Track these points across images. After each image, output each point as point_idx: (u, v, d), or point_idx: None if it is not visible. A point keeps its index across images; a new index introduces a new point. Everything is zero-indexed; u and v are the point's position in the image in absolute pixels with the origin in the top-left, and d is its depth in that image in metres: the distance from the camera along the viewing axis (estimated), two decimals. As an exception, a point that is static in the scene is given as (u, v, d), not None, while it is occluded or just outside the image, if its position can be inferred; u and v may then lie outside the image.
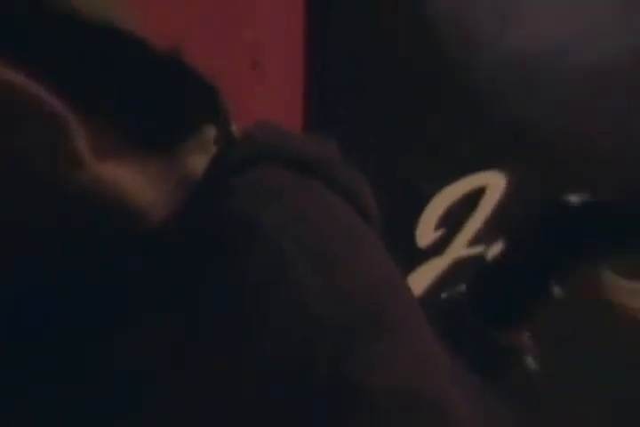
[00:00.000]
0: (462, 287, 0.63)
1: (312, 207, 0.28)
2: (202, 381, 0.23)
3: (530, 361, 0.48)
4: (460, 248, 0.69)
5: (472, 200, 0.67)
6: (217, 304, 0.25)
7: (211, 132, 0.28)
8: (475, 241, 0.67)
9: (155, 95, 0.26)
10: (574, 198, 0.51)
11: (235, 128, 0.30)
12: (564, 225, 0.49)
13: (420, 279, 0.74)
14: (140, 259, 0.25)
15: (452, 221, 0.72)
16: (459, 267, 0.69)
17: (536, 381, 0.45)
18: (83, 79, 0.24)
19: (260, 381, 0.22)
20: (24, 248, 0.24)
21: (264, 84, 0.82)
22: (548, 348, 0.47)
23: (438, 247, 0.73)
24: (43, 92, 0.22)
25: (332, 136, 0.35)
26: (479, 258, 0.66)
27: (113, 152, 0.25)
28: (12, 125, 0.23)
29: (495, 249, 0.65)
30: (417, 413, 0.22)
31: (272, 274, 0.25)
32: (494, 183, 0.64)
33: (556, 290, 0.51)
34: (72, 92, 0.23)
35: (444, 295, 0.68)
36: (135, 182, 0.25)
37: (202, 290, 0.25)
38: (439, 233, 0.74)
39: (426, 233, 0.76)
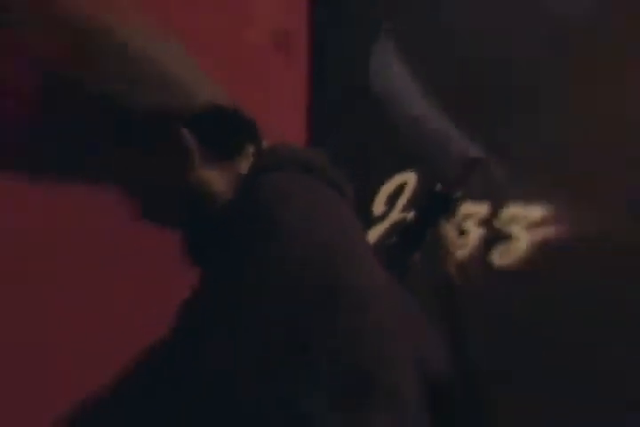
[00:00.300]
0: (395, 237, 1.18)
1: (316, 205, 0.44)
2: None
3: (417, 261, 1.02)
4: (395, 215, 1.23)
5: (400, 189, 1.21)
6: (228, 303, 0.38)
7: (251, 148, 0.53)
8: (402, 211, 1.22)
9: (225, 131, 0.51)
10: (438, 187, 1.03)
11: (265, 144, 0.54)
12: (430, 198, 1.02)
13: (375, 233, 1.28)
14: (208, 228, 0.48)
15: (391, 200, 1.25)
16: (394, 226, 1.23)
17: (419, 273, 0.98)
18: (201, 128, 0.49)
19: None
20: (170, 213, 0.52)
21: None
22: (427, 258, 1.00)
23: (384, 215, 1.27)
24: (187, 133, 0.49)
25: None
26: (404, 220, 1.20)
27: (206, 162, 0.49)
28: (171, 154, 0.49)
29: (411, 215, 1.19)
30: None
31: (280, 279, 0.37)
32: (410, 179, 1.18)
33: (429, 234, 1.05)
34: (196, 134, 0.49)
35: (386, 242, 1.22)
36: (214, 178, 0.49)
37: (219, 287, 0.40)
38: (385, 207, 1.28)
39: (378, 207, 1.29)
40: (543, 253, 0.80)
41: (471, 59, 1.07)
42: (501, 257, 0.83)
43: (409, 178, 1.17)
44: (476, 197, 0.89)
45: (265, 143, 0.56)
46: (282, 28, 1.28)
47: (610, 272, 0.80)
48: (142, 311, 0.81)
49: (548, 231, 0.80)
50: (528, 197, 0.84)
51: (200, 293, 0.42)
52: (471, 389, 0.57)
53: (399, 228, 1.20)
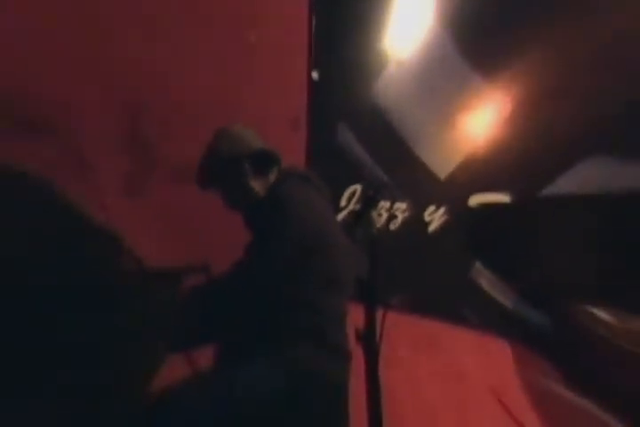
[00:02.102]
0: (350, 217, 2.26)
1: (309, 199, 1.21)
2: None
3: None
4: (350, 207, 2.29)
5: (353, 193, 2.27)
6: (265, 245, 1.08)
7: (275, 168, 1.34)
8: (354, 204, 2.28)
9: (264, 160, 1.34)
10: (370, 193, 2.10)
11: (283, 166, 1.35)
12: (365, 198, 2.07)
13: (341, 216, 2.34)
14: (254, 210, 1.27)
15: (349, 198, 2.30)
16: (350, 212, 2.30)
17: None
18: (253, 160, 1.34)
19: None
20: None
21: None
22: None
23: (345, 206, 2.31)
24: (246, 164, 1.35)
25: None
26: (355, 209, 2.26)
27: (254, 177, 1.29)
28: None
29: (358, 206, 2.26)
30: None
31: (290, 234, 1.07)
32: (358, 188, 2.25)
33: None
34: (250, 164, 1.35)
35: (346, 220, 2.30)
36: (258, 185, 1.28)
37: (260, 238, 1.12)
38: (346, 202, 2.33)
39: (342, 202, 2.34)
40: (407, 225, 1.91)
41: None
42: (392, 226, 1.94)
43: (357, 187, 2.22)
44: (387, 198, 1.99)
45: (283, 165, 1.25)
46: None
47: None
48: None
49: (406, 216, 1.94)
50: (401, 200, 1.96)
51: (252, 241, 1.08)
52: (373, 282, 1.12)
53: (352, 213, 2.26)
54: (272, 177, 1.33)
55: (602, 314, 1.95)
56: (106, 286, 1.05)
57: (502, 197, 2.06)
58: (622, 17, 2.00)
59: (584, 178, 2.07)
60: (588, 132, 2.05)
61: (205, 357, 1.15)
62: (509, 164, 2.09)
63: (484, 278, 2.08)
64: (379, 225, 2.06)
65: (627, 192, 1.98)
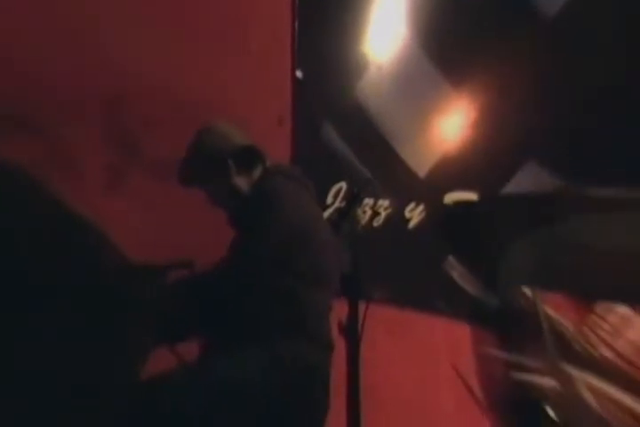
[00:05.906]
0: (336, 214, 2.28)
1: (293, 193, 1.19)
2: None
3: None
4: (336, 204, 2.31)
5: (339, 190, 2.29)
6: (248, 242, 1.10)
7: (260, 165, 1.32)
8: (340, 202, 2.30)
9: (248, 156, 1.32)
10: (355, 190, 2.11)
11: (268, 163, 1.31)
12: (351, 196, 2.09)
13: (327, 213, 2.35)
14: (238, 208, 1.26)
15: (335, 196, 2.31)
16: (336, 209, 2.31)
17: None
18: (237, 157, 1.33)
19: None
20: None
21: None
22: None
23: (332, 204, 2.33)
24: (230, 161, 1.29)
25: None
26: (340, 206, 2.28)
27: (238, 174, 1.29)
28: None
29: (343, 203, 2.28)
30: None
31: (273, 231, 1.09)
32: (343, 186, 2.26)
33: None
34: (234, 160, 1.37)
35: (332, 217, 2.32)
36: (241, 182, 1.28)
37: (244, 235, 1.13)
38: (332, 199, 2.34)
39: (329, 199, 2.35)
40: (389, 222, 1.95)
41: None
42: (376, 222, 1.97)
43: (342, 185, 2.23)
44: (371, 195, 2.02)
45: (268, 162, 1.25)
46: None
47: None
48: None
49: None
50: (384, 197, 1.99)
51: (236, 238, 1.10)
52: (356, 277, 1.22)
53: (338, 210, 2.28)
54: (256, 174, 1.29)
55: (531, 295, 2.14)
56: (91, 282, 1.04)
57: (471, 196, 2.21)
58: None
59: (525, 181, 2.22)
60: (530, 139, 2.22)
61: (191, 351, 1.16)
62: (476, 164, 2.22)
63: (455, 270, 2.22)
64: (363, 222, 2.08)
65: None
